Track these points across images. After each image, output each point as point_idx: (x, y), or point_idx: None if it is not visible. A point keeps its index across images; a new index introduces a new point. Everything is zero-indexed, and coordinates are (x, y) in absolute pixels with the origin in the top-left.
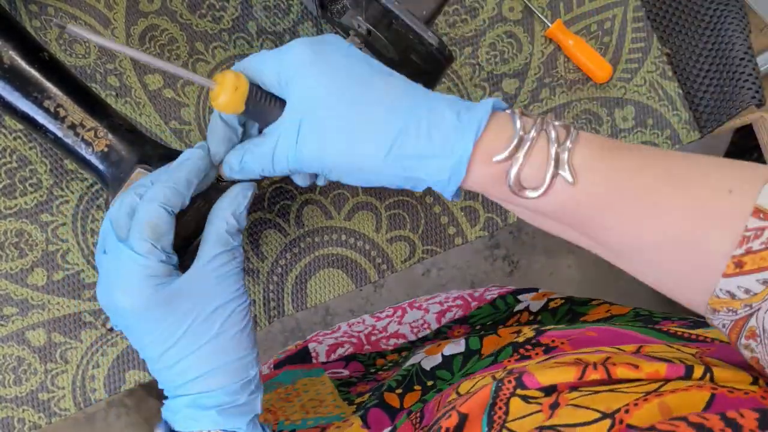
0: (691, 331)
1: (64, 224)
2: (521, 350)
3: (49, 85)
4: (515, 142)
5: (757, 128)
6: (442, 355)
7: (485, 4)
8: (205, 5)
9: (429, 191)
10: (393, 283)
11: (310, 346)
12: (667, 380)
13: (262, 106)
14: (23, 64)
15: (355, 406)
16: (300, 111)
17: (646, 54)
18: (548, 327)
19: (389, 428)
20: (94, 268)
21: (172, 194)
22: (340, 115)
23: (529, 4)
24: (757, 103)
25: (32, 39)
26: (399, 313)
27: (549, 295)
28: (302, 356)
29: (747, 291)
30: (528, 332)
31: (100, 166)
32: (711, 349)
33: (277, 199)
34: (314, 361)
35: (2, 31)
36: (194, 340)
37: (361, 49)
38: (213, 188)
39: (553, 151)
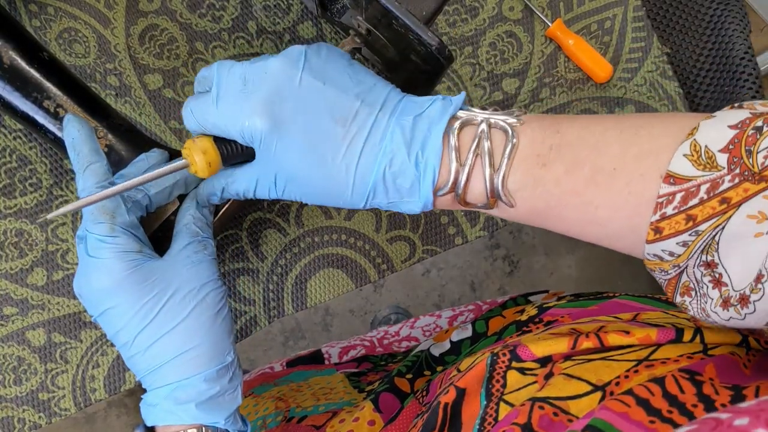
0: None
1: (64, 224)
2: (524, 328)
3: (49, 85)
4: (452, 175)
5: None
6: (451, 341)
7: (485, 4)
8: (205, 5)
9: None
10: (393, 283)
11: (323, 349)
12: (658, 345)
13: (236, 154)
14: (23, 64)
15: (365, 393)
16: (269, 164)
17: (646, 53)
18: (551, 304)
19: (399, 408)
20: None
21: (96, 171)
22: (311, 176)
23: (529, 4)
24: None
25: (32, 39)
26: (411, 320)
27: (559, 294)
28: (315, 358)
29: (671, 254)
30: (531, 311)
31: None
32: None
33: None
34: (327, 362)
35: (2, 31)
36: (168, 320)
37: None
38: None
39: (487, 178)
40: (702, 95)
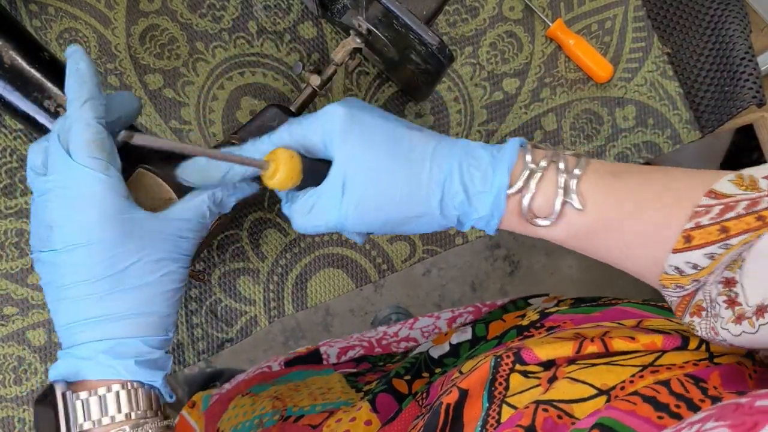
0: None
1: None
2: (525, 332)
3: (49, 85)
4: (526, 174)
5: (757, 128)
6: (450, 343)
7: (486, 4)
8: (206, 5)
9: None
10: (393, 283)
11: (321, 349)
12: (664, 351)
13: (313, 174)
14: (24, 64)
15: (362, 393)
16: (344, 173)
17: (646, 53)
18: (552, 310)
19: (396, 409)
20: None
21: (97, 108)
22: (389, 173)
23: (530, 4)
24: (758, 102)
25: (32, 39)
26: (411, 321)
27: (560, 297)
28: (313, 357)
29: (695, 266)
30: (532, 315)
31: None
32: None
33: (277, 199)
34: (325, 362)
35: (2, 31)
36: (138, 276)
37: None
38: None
39: (561, 180)
40: (702, 95)
